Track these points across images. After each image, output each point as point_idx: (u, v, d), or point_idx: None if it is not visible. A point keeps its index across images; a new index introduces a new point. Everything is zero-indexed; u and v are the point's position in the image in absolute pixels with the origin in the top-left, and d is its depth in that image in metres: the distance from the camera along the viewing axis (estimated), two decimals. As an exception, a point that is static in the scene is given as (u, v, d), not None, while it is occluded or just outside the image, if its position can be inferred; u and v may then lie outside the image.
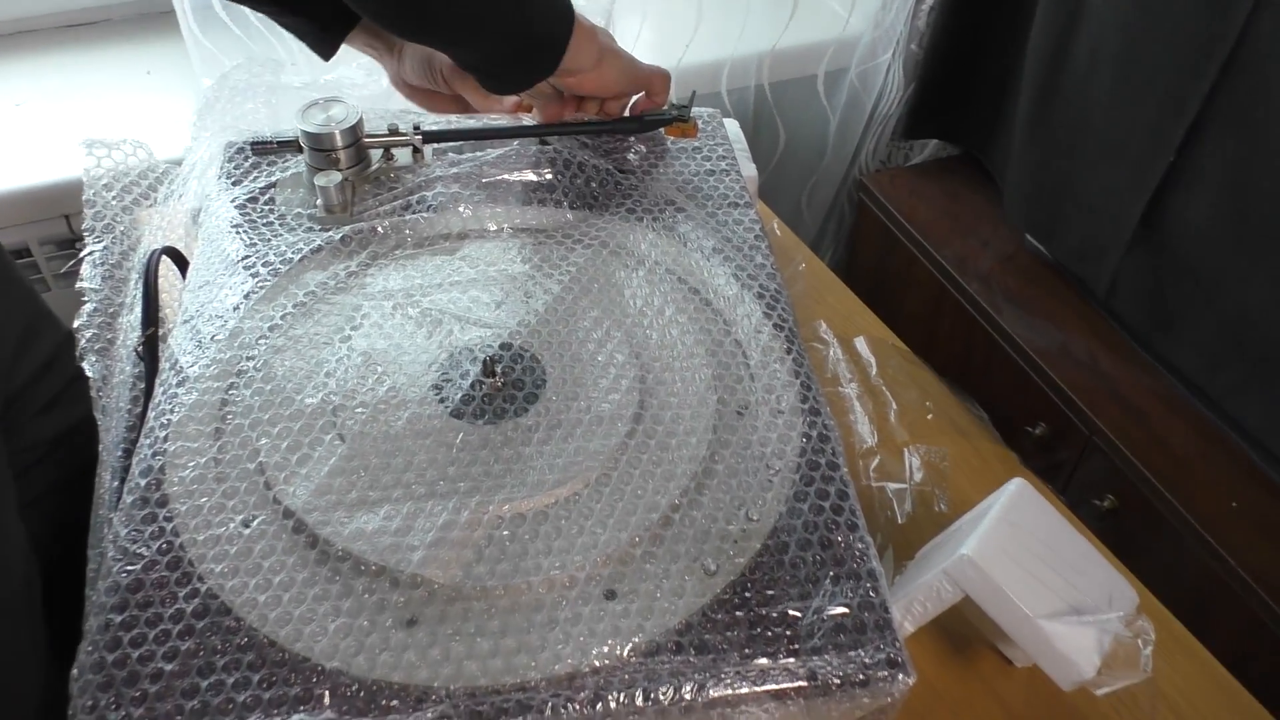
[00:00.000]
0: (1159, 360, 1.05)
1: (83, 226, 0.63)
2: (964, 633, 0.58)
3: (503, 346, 0.60)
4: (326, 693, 0.45)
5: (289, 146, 0.69)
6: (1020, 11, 1.11)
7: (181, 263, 0.67)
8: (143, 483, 0.51)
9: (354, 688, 0.45)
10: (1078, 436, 1.04)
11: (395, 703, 0.45)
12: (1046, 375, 1.06)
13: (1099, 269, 1.06)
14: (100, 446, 0.58)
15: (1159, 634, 0.59)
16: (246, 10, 0.94)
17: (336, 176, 0.66)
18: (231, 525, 0.50)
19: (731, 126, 0.82)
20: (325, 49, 0.70)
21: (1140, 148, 0.96)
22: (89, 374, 0.58)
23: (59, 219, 0.96)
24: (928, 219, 1.26)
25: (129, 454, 0.57)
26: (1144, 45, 0.93)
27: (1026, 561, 0.52)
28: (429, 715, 0.44)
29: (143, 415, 0.57)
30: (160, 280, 0.62)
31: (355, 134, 0.67)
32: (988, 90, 1.22)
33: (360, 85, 0.77)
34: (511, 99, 0.72)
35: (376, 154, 0.70)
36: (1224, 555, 0.90)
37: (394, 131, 0.69)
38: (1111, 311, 1.10)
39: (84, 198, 0.65)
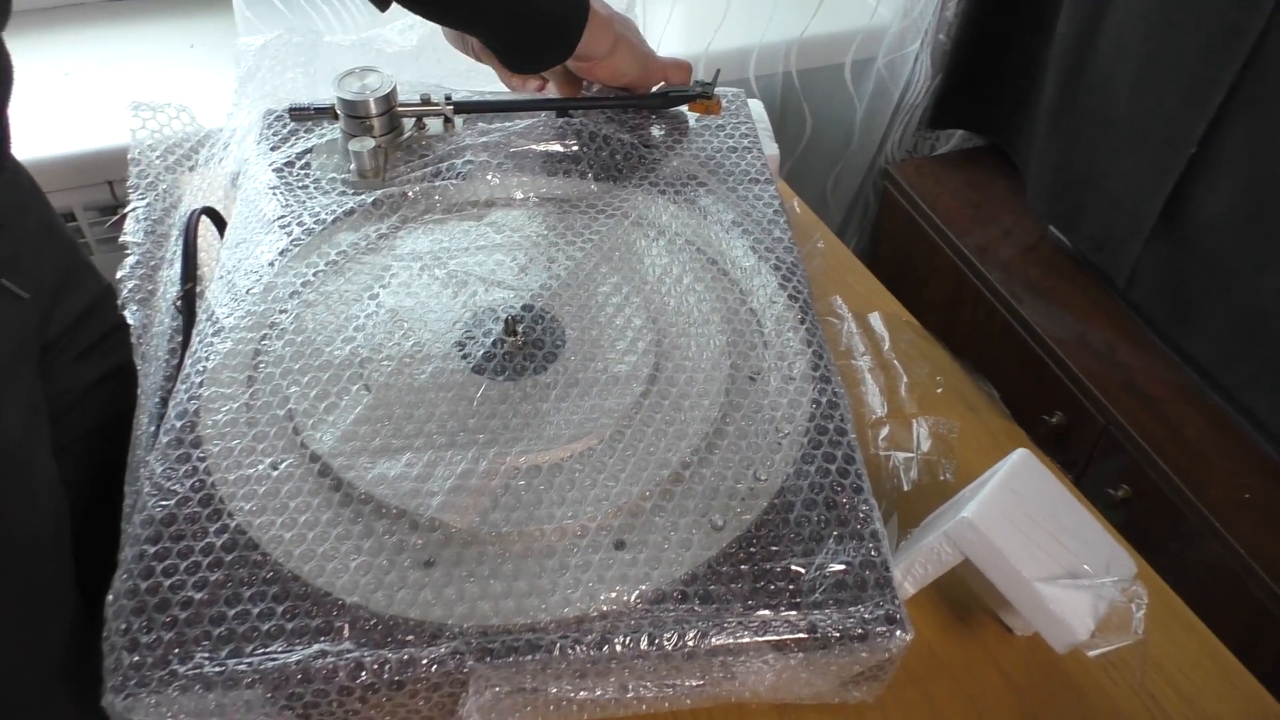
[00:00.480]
0: (1176, 351, 1.05)
1: (127, 184, 0.66)
2: (965, 601, 0.60)
3: (524, 308, 0.62)
4: (346, 625, 0.47)
5: (325, 113, 0.71)
6: (1046, 4, 1.12)
7: (219, 223, 0.69)
8: (179, 424, 0.54)
9: (372, 622, 0.47)
10: (1093, 426, 1.05)
11: (410, 637, 0.47)
12: (1064, 364, 1.07)
13: (1119, 260, 1.07)
14: (139, 392, 0.60)
15: (1162, 612, 0.60)
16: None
17: (370, 143, 0.68)
18: (261, 467, 0.52)
19: (755, 106, 0.83)
20: (381, 2, 0.72)
21: (1162, 140, 0.97)
22: (130, 322, 0.60)
23: (103, 185, 0.99)
24: (951, 208, 1.27)
25: (165, 401, 0.60)
26: (1168, 38, 0.94)
27: (1026, 527, 0.53)
28: (443, 649, 0.46)
29: (179, 365, 0.60)
30: (199, 239, 0.65)
31: (389, 102, 0.69)
32: (1014, 82, 1.23)
33: (393, 43, 0.79)
34: (534, 81, 0.74)
35: (409, 122, 0.72)
36: (1235, 545, 0.90)
37: (426, 101, 0.71)
38: (1130, 302, 1.10)
39: (129, 157, 0.67)
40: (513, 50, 0.68)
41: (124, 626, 0.46)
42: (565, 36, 0.66)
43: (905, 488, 0.62)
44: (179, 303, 0.63)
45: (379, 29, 0.82)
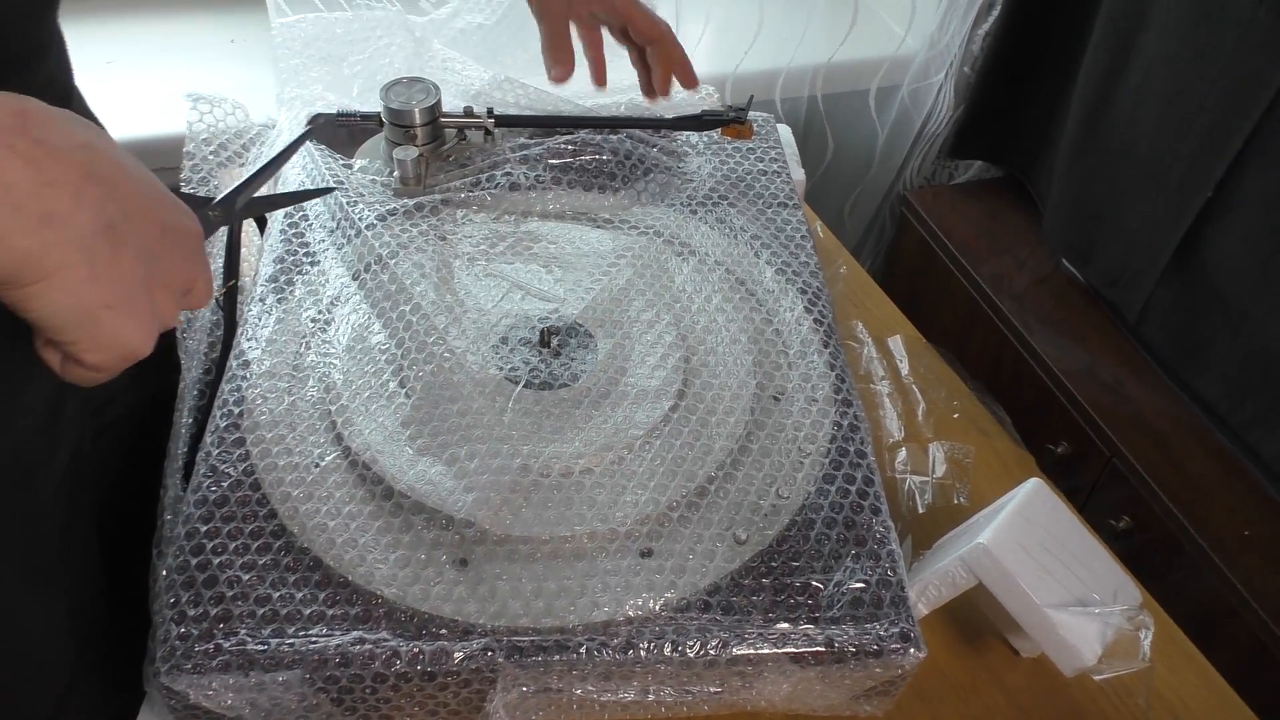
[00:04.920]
0: (1183, 388, 1.07)
1: (180, 176, 0.68)
2: (974, 623, 0.62)
3: (559, 319, 0.64)
4: (383, 616, 0.49)
5: (370, 120, 0.73)
6: (1072, 43, 1.14)
7: (261, 222, 0.71)
8: (236, 410, 0.56)
9: (408, 614, 0.49)
10: (1098, 457, 1.07)
11: (444, 631, 0.49)
12: (1072, 395, 1.09)
13: (1132, 296, 1.09)
14: (180, 385, 0.62)
15: (1163, 642, 0.62)
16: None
17: (414, 152, 0.70)
18: (309, 457, 0.54)
19: (784, 131, 0.85)
20: None
21: (1180, 181, 0.99)
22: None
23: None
24: (967, 236, 1.29)
25: (203, 394, 0.62)
26: (1191, 83, 0.96)
27: (1038, 554, 0.55)
28: (474, 645, 0.48)
29: (221, 360, 0.62)
30: (241, 236, 0.67)
31: (433, 113, 0.71)
32: (1035, 116, 1.25)
33: (425, 12, 0.81)
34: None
35: (451, 132, 0.74)
36: (1233, 581, 0.92)
37: (469, 113, 0.73)
38: (1140, 338, 1.12)
39: (185, 149, 0.69)
40: None
41: (173, 600, 0.48)
42: None
43: (920, 510, 0.64)
44: (220, 299, 0.65)
45: (413, 16, 0.84)
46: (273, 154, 0.55)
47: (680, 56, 0.76)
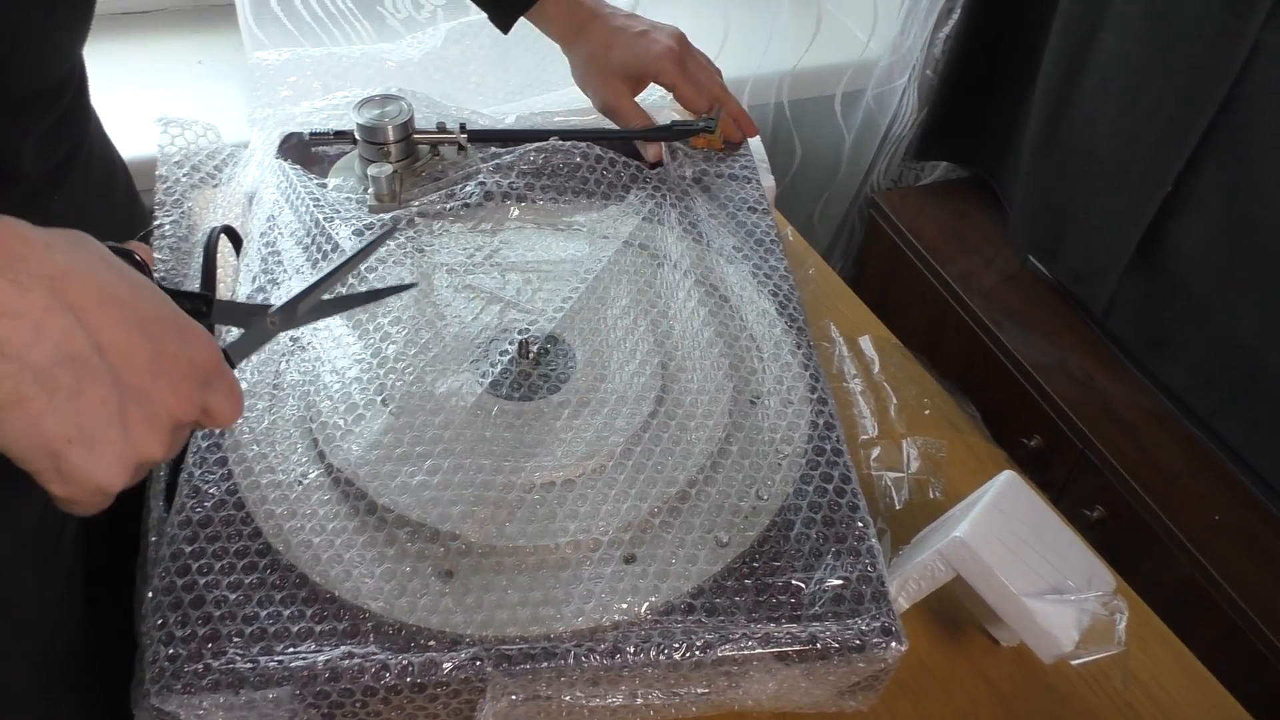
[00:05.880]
0: (1151, 379, 1.09)
1: (155, 200, 0.68)
2: (954, 616, 0.63)
3: (537, 330, 0.64)
4: (371, 630, 0.49)
5: (344, 138, 0.74)
6: (1032, 44, 1.16)
7: (236, 241, 0.72)
8: (217, 430, 0.56)
9: (396, 627, 0.49)
10: (1070, 449, 1.09)
11: (432, 643, 0.49)
12: (1043, 390, 1.11)
13: (1097, 290, 1.11)
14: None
15: (1138, 626, 0.64)
16: (310, 3, 1.00)
17: (388, 168, 0.70)
18: (292, 475, 0.55)
19: (753, 140, 0.86)
20: (504, 22, 0.79)
21: (1141, 177, 1.01)
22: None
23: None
24: (935, 237, 1.31)
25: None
26: (1148, 81, 0.98)
27: (1014, 545, 0.56)
28: (463, 655, 0.49)
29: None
30: (216, 256, 0.67)
31: (406, 129, 0.72)
32: (998, 117, 1.27)
33: (401, 56, 0.82)
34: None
35: (424, 148, 0.75)
36: (1206, 565, 0.94)
37: (442, 129, 0.74)
38: (1107, 331, 1.14)
39: (157, 173, 0.69)
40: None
41: (160, 621, 0.48)
42: None
43: (897, 506, 0.65)
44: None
45: (385, 44, 0.85)
46: (346, 256, 0.53)
47: (737, 110, 0.82)
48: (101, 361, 0.35)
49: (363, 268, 0.65)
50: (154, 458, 0.38)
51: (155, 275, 0.66)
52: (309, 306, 0.50)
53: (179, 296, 0.47)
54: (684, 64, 0.79)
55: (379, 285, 0.64)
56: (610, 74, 0.79)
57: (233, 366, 0.44)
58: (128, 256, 0.41)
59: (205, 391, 0.40)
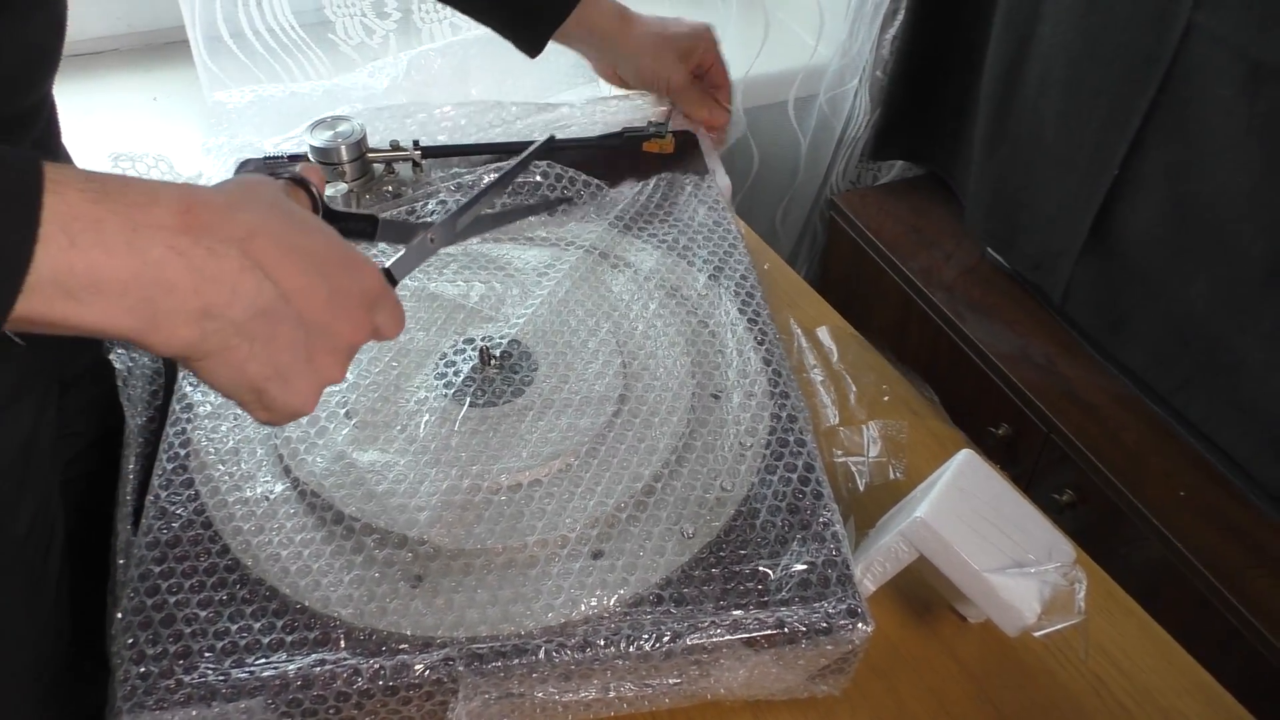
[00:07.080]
0: (1111, 361, 1.11)
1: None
2: (923, 597, 0.64)
3: (500, 336, 0.65)
4: (342, 637, 0.50)
5: (298, 160, 0.75)
6: (976, 40, 1.19)
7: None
8: (182, 452, 0.56)
9: (367, 633, 0.50)
10: (1037, 435, 1.10)
11: (404, 646, 0.50)
12: (1007, 378, 1.13)
13: (1054, 277, 1.13)
14: (125, 431, 0.63)
15: (1103, 599, 0.65)
16: (262, 35, 1.01)
17: (343, 188, 0.71)
18: (258, 490, 0.55)
19: (704, 141, 0.88)
20: (531, 46, 0.81)
21: (1088, 162, 1.03)
22: (116, 366, 0.63)
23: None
24: (895, 234, 1.32)
25: (148, 441, 0.62)
26: (1087, 68, 1.00)
27: (974, 522, 0.57)
28: (434, 657, 0.49)
29: (164, 406, 0.62)
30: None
31: (360, 149, 0.73)
32: (948, 113, 1.29)
33: (364, 88, 0.83)
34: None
35: (379, 166, 0.75)
36: (1174, 540, 0.95)
37: (395, 147, 0.75)
38: (1066, 317, 1.16)
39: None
40: (513, 26, 0.77)
41: (131, 641, 0.48)
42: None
43: (860, 490, 0.66)
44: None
45: (345, 75, 0.85)
46: (503, 172, 0.55)
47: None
48: (288, 307, 0.40)
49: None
50: (337, 381, 0.44)
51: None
52: (467, 221, 0.52)
53: (348, 218, 0.51)
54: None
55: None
56: (673, 54, 0.83)
57: (394, 284, 0.48)
58: (301, 183, 0.47)
59: (373, 314, 0.45)
